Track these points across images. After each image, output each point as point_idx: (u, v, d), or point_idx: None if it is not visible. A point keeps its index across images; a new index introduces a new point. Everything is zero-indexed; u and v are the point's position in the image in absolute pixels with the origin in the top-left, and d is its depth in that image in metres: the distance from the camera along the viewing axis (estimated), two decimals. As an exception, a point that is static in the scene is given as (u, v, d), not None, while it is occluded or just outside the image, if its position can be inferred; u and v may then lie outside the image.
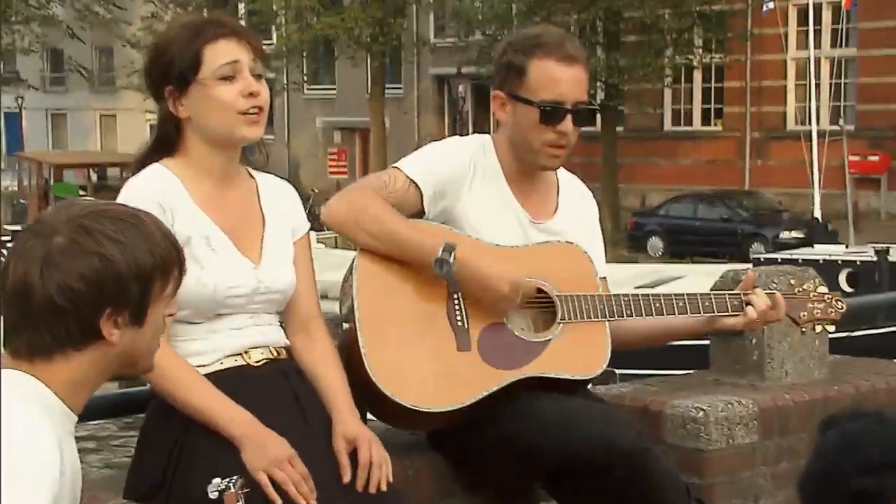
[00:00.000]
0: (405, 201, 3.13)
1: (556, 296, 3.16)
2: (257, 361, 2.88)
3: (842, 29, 29.69)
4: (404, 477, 3.15)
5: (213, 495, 2.49)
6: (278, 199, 3.01)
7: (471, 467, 3.25)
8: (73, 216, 2.16)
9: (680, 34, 29.19)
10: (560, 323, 3.14)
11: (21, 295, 2.12)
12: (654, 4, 27.74)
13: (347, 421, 2.87)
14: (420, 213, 3.17)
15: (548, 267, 3.17)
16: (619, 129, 31.09)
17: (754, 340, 4.03)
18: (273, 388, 2.86)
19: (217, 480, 2.51)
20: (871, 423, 2.44)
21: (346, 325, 3.11)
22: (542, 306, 3.18)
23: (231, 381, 2.80)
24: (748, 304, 3.27)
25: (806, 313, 3.37)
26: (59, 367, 2.14)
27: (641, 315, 3.20)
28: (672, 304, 3.22)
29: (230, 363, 2.86)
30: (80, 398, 2.19)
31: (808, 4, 27.18)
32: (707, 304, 3.25)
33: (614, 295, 3.20)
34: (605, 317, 3.17)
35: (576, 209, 3.36)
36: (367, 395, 3.03)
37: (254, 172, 3.03)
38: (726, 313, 3.27)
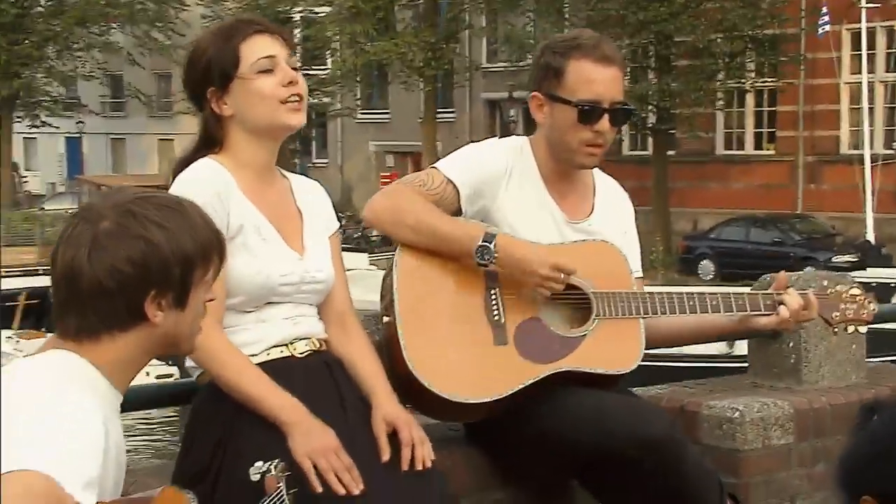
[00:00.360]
0: (443, 200, 3.22)
1: (592, 292, 3.23)
2: (302, 353, 2.97)
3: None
4: (441, 469, 3.23)
5: (254, 478, 2.57)
6: (311, 196, 3.11)
7: (507, 461, 3.33)
8: (120, 202, 2.26)
9: (732, 58, 29.15)
10: (595, 319, 3.22)
11: (70, 278, 2.22)
12: (706, 29, 27.73)
13: (386, 404, 2.96)
14: (457, 213, 3.25)
15: (583, 264, 3.24)
16: (671, 153, 31.05)
17: (791, 344, 4.08)
18: (317, 378, 2.95)
19: (259, 463, 2.58)
20: None
21: (385, 319, 3.20)
22: (578, 303, 3.25)
23: (278, 371, 2.89)
24: (781, 303, 3.33)
25: (838, 314, 3.42)
26: (105, 348, 2.24)
27: (675, 313, 3.27)
28: (706, 302, 3.28)
29: (276, 354, 2.94)
30: (125, 377, 2.29)
31: (861, 29, 27.08)
32: (741, 303, 3.31)
33: (649, 293, 3.27)
34: (640, 314, 3.24)
35: (612, 210, 3.44)
36: (407, 388, 3.11)
37: (284, 172, 3.12)
38: (760, 312, 3.33)
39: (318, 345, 3.01)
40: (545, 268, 3.14)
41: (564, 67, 3.24)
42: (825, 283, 3.54)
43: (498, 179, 3.27)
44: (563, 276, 3.16)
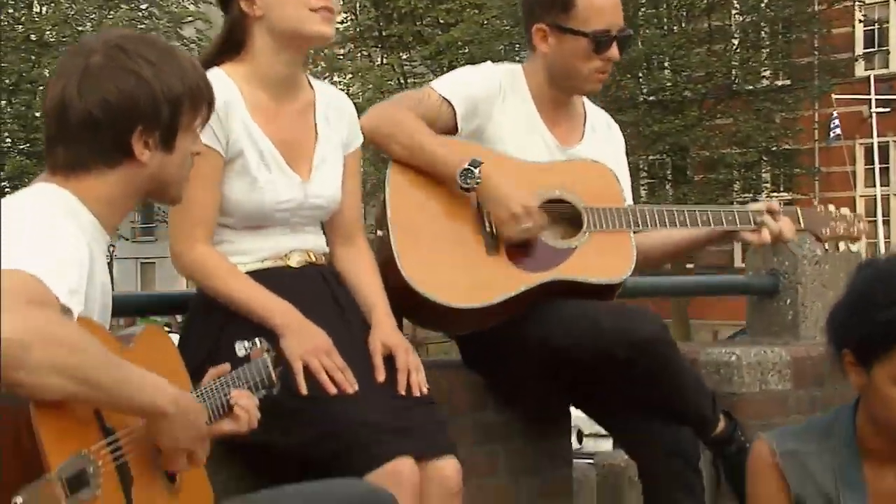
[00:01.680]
0: (438, 118, 3.30)
1: (583, 207, 3.29)
2: (297, 263, 2.98)
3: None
4: (438, 389, 3.24)
5: (240, 353, 2.54)
6: (334, 111, 3.10)
7: (502, 378, 3.35)
8: (111, 38, 2.34)
9: (748, 169, 29.40)
10: (587, 232, 3.27)
11: (60, 109, 2.29)
12: (720, 142, 28.05)
13: (385, 327, 2.97)
14: (453, 131, 3.33)
15: (575, 181, 3.31)
16: (690, 265, 31.12)
17: (788, 301, 4.12)
18: (312, 287, 2.96)
19: (240, 342, 2.55)
20: None
21: (379, 233, 3.25)
22: (570, 219, 3.31)
23: (271, 278, 2.91)
24: (763, 224, 3.37)
25: (828, 230, 3.48)
26: (92, 183, 2.30)
27: (666, 226, 3.32)
28: (696, 217, 3.34)
29: (270, 264, 2.95)
30: (112, 217, 2.34)
31: (873, 144, 27.40)
32: (730, 217, 3.37)
33: (638, 206, 3.33)
34: (630, 227, 3.30)
35: (603, 138, 3.52)
36: (401, 298, 3.14)
37: (314, 82, 3.12)
38: (749, 227, 3.38)
39: (314, 258, 3.01)
40: (518, 206, 3.18)
41: None
42: (817, 204, 3.60)
43: (492, 98, 3.35)
44: (529, 224, 3.19)
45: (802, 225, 3.47)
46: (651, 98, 27.45)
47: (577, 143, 3.46)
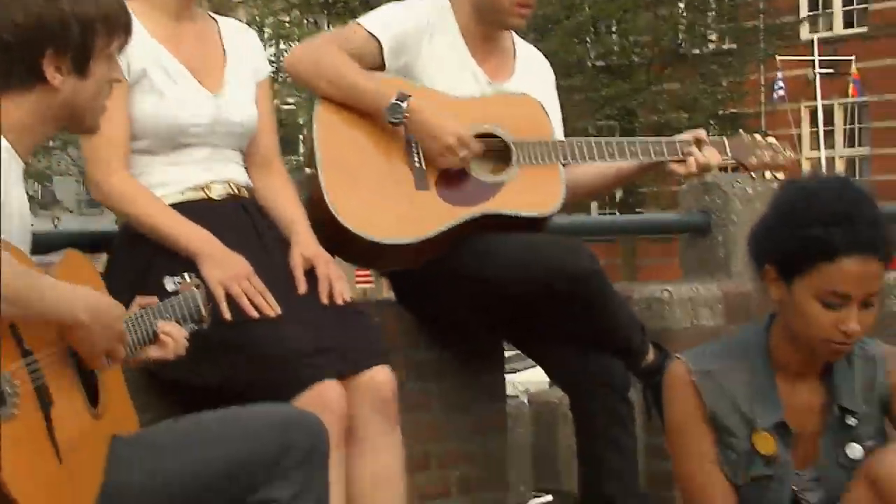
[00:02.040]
0: (365, 54, 3.29)
1: (512, 141, 3.30)
2: (219, 196, 2.98)
3: (856, 129, 30.05)
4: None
5: (170, 287, 2.54)
6: (241, 39, 3.12)
7: (435, 315, 3.37)
8: None
9: (694, 134, 29.51)
10: (515, 166, 3.28)
11: None
12: (667, 106, 28.15)
13: (305, 242, 2.99)
14: (380, 68, 3.31)
15: (504, 115, 3.32)
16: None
17: (721, 238, 4.16)
18: (234, 219, 2.97)
19: (169, 277, 2.56)
20: (833, 181, 2.56)
21: (308, 171, 3.25)
22: (499, 152, 3.32)
23: (192, 210, 2.91)
24: (689, 154, 3.40)
25: (755, 158, 3.51)
26: (5, 107, 2.28)
27: (594, 159, 3.34)
28: (625, 148, 3.37)
29: (191, 196, 2.95)
30: (25, 143, 2.33)
31: (817, 107, 27.59)
32: (658, 149, 3.40)
33: (567, 140, 3.35)
34: (560, 160, 3.31)
35: (533, 74, 3.52)
36: (331, 235, 3.14)
37: (215, 15, 3.14)
38: (677, 158, 3.40)
39: (236, 190, 3.01)
40: (452, 137, 3.19)
41: None
42: (744, 135, 3.62)
43: (420, 34, 3.33)
44: (465, 152, 3.20)
45: (729, 154, 3.49)
46: (599, 63, 27.49)
47: (508, 78, 3.46)
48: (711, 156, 3.41)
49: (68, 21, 2.29)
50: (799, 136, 30.43)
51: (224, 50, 3.07)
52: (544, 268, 3.11)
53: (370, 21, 3.33)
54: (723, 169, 3.78)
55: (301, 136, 20.06)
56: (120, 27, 2.39)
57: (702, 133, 3.47)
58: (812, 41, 29.08)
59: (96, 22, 2.33)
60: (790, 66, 28.35)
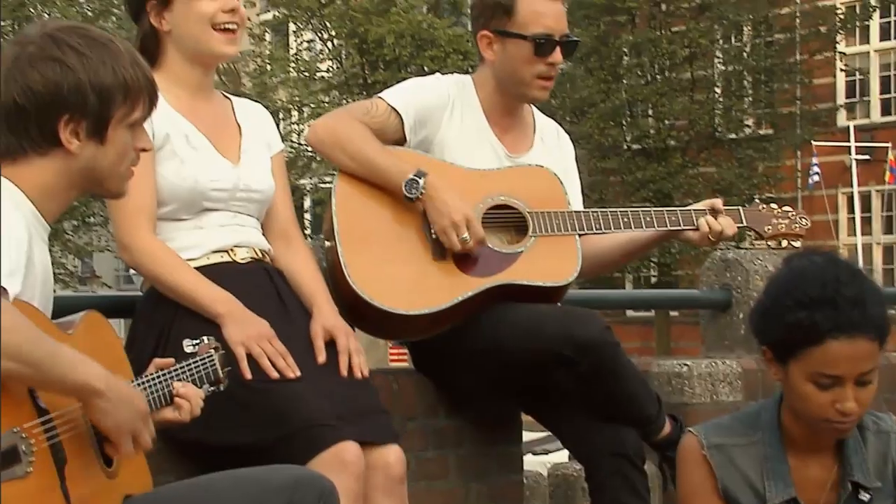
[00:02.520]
0: (386, 128, 3.36)
1: (528, 212, 3.35)
2: (242, 259, 3.05)
3: (893, 216, 29.96)
4: (389, 392, 3.31)
5: (188, 349, 2.58)
6: (253, 116, 3.22)
7: (452, 383, 3.40)
8: (48, 29, 2.40)
9: (731, 218, 29.45)
10: (532, 237, 3.33)
11: None
12: (703, 189, 28.14)
13: (326, 312, 3.04)
14: (401, 142, 3.38)
15: (519, 187, 3.38)
16: (674, 313, 31.18)
17: (741, 315, 4.17)
18: (257, 282, 3.04)
19: (188, 339, 2.60)
20: (819, 261, 2.57)
21: (327, 244, 3.31)
22: (516, 223, 3.37)
23: (218, 273, 2.98)
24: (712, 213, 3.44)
25: (770, 227, 3.54)
26: (26, 170, 2.35)
27: (610, 229, 3.38)
28: (640, 218, 3.41)
29: (217, 259, 3.03)
30: (50, 207, 2.39)
31: (854, 193, 27.56)
32: (673, 218, 3.43)
33: (583, 210, 3.40)
34: (575, 230, 3.36)
35: (552, 147, 3.58)
36: (351, 307, 3.20)
37: (228, 95, 3.25)
38: (692, 228, 3.43)
39: (259, 254, 3.09)
40: (458, 215, 3.24)
41: (514, 4, 3.38)
42: (759, 203, 3.66)
43: (441, 109, 3.41)
44: (467, 235, 3.23)
45: (745, 222, 3.52)
46: (634, 145, 27.60)
47: (527, 151, 3.52)
48: (727, 224, 3.44)
49: (85, 89, 2.34)
50: (836, 222, 30.38)
51: (239, 125, 3.16)
52: (553, 336, 3.15)
53: (392, 95, 3.40)
54: (740, 242, 3.82)
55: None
56: (143, 97, 2.44)
57: (717, 202, 3.52)
58: (848, 128, 29.13)
59: (114, 90, 2.38)
60: (826, 151, 28.39)
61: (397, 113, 3.37)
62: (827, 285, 2.50)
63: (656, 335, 29.63)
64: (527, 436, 6.78)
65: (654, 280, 28.81)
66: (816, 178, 27.35)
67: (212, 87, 3.18)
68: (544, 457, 11.01)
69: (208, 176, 3.02)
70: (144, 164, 2.87)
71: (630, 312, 32.46)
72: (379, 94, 3.45)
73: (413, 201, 3.27)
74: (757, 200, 3.70)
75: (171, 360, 2.52)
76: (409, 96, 3.40)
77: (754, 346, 4.12)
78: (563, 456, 10.80)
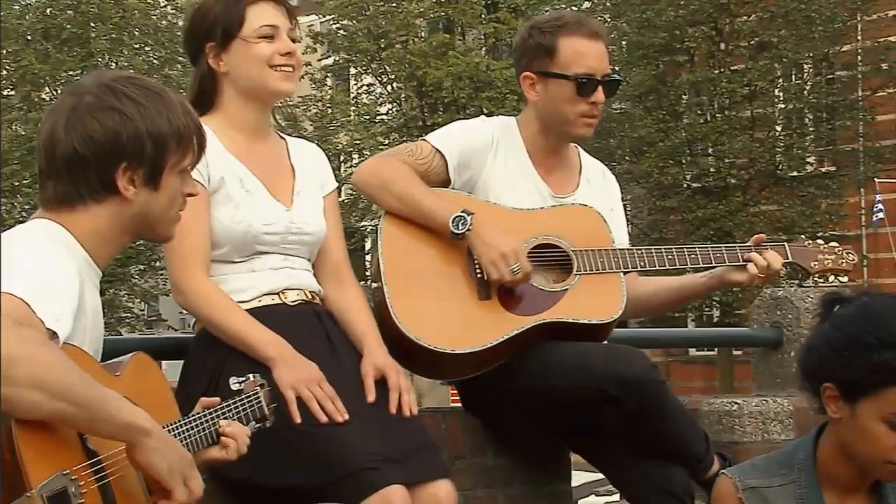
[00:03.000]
0: (431, 169, 3.40)
1: (572, 251, 3.37)
2: (293, 301, 3.10)
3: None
4: (437, 432, 3.34)
5: (234, 387, 2.62)
6: (308, 157, 3.26)
7: (499, 422, 3.42)
8: (104, 80, 2.47)
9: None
10: (576, 275, 3.35)
11: (49, 146, 2.42)
12: (765, 228, 27.97)
13: (376, 352, 3.08)
14: (445, 183, 3.42)
15: (563, 226, 3.40)
16: (738, 352, 30.92)
17: (792, 353, 4.15)
18: (307, 325, 3.08)
19: (235, 377, 2.64)
20: (893, 300, 2.57)
21: (374, 286, 3.35)
22: (560, 263, 3.39)
23: (268, 315, 3.03)
24: (749, 260, 3.43)
25: (817, 263, 3.53)
26: (81, 217, 2.41)
27: (654, 266, 3.39)
28: (684, 255, 3.42)
29: (268, 301, 3.07)
30: (103, 253, 2.45)
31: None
32: (718, 255, 3.44)
33: (627, 248, 3.41)
34: (620, 268, 3.37)
35: (597, 187, 3.60)
36: (398, 347, 3.22)
37: (283, 135, 3.30)
38: (737, 263, 3.43)
39: (309, 296, 3.13)
40: (507, 247, 3.26)
41: (556, 45, 3.42)
42: (805, 240, 3.65)
43: (485, 151, 3.44)
44: (517, 266, 3.25)
45: (791, 258, 3.52)
46: (694, 184, 27.50)
47: (572, 191, 3.54)
48: (773, 259, 3.44)
49: (142, 137, 2.40)
50: (902, 260, 29.99)
51: (293, 166, 3.21)
52: (599, 374, 3.16)
53: (436, 138, 3.45)
54: (792, 280, 3.81)
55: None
56: (192, 144, 2.50)
57: (761, 236, 3.53)
58: (912, 164, 28.83)
59: (169, 138, 2.44)
60: (890, 188, 28.09)
61: (441, 155, 3.41)
62: None
63: (719, 374, 29.38)
64: (590, 476, 6.72)
65: (716, 319, 28.59)
66: (881, 215, 27.05)
67: (268, 127, 3.24)
68: (608, 497, 10.94)
69: (261, 220, 3.07)
70: (199, 207, 2.94)
71: (693, 351, 32.25)
72: (423, 137, 3.50)
73: (460, 238, 3.30)
74: (803, 237, 3.69)
75: (217, 399, 2.56)
76: (453, 138, 3.44)
77: (806, 386, 4.14)
78: (623, 497, 10.75)
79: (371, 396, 2.97)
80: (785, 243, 3.54)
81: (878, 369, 2.48)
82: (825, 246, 3.58)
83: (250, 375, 2.65)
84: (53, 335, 2.22)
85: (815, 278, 3.59)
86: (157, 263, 41.45)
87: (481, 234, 3.28)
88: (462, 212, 3.30)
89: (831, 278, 3.57)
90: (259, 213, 3.08)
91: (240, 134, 3.15)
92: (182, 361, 3.15)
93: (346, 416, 2.87)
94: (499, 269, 3.26)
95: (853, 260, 3.58)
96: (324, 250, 3.22)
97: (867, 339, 2.51)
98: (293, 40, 3.18)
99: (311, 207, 3.19)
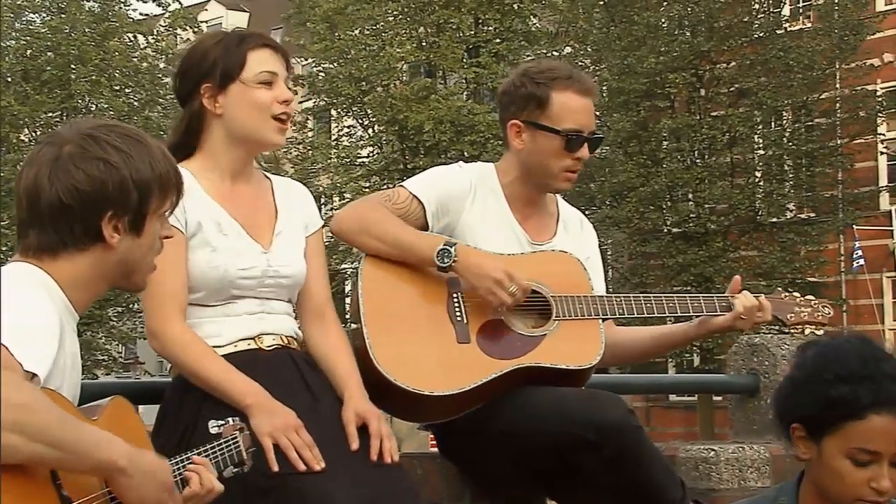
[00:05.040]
0: (408, 215, 3.41)
1: (552, 296, 3.38)
2: (269, 346, 3.08)
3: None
4: (414, 477, 3.32)
5: (213, 430, 2.61)
6: (292, 196, 3.26)
7: (477, 467, 3.41)
8: (84, 129, 2.48)
9: (773, 304, 29.26)
10: (556, 320, 3.35)
11: (32, 195, 2.42)
12: (744, 273, 28.04)
13: (357, 399, 3.07)
14: (423, 229, 3.43)
15: (543, 271, 3.41)
16: (718, 399, 30.91)
17: (769, 401, 4.15)
18: (283, 370, 3.07)
19: (213, 421, 2.63)
20: (854, 340, 2.60)
21: (353, 327, 3.35)
22: (539, 308, 3.40)
23: (243, 361, 3.02)
24: (734, 302, 3.46)
25: (793, 315, 3.55)
26: (63, 265, 2.42)
27: (633, 314, 3.40)
28: (662, 304, 3.43)
29: (243, 346, 3.07)
30: (82, 298, 2.46)
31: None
32: (696, 304, 3.46)
33: (606, 295, 3.42)
34: (598, 314, 3.38)
35: (574, 234, 3.62)
36: (376, 388, 3.21)
37: (269, 175, 3.30)
38: (715, 312, 3.45)
39: (286, 341, 3.12)
40: (499, 272, 3.28)
41: (548, 97, 3.44)
42: (781, 292, 3.67)
43: (462, 197, 3.46)
44: (514, 287, 3.28)
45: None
46: (675, 229, 27.59)
47: (550, 239, 3.56)
48: (763, 302, 3.47)
49: (128, 185, 2.42)
50: (881, 307, 30.14)
51: (276, 206, 3.20)
52: (577, 419, 3.16)
53: (414, 184, 3.46)
54: (771, 326, 3.83)
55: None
56: (172, 187, 2.52)
57: (738, 277, 3.56)
58: (891, 211, 29.01)
59: (152, 185, 2.46)
60: (869, 235, 28.27)
61: (419, 201, 3.42)
62: (867, 362, 2.52)
63: (700, 420, 29.36)
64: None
65: (696, 365, 28.60)
66: (861, 261, 27.18)
67: (251, 169, 3.21)
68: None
69: (237, 264, 3.06)
70: (176, 252, 2.94)
71: (673, 397, 32.25)
72: (401, 183, 3.51)
73: (446, 270, 3.30)
74: (779, 289, 3.71)
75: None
76: (431, 184, 3.46)
77: (780, 431, 4.15)
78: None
79: (354, 444, 2.96)
80: (762, 296, 3.56)
81: (834, 404, 2.50)
82: (801, 299, 3.61)
83: (230, 419, 2.64)
84: (32, 377, 2.21)
85: (791, 331, 3.60)
86: (135, 306, 41.27)
87: (468, 264, 3.30)
88: (445, 244, 3.31)
89: (807, 331, 3.59)
90: (235, 257, 3.06)
91: (221, 176, 3.15)
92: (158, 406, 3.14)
93: (323, 465, 2.86)
94: (498, 296, 3.28)
95: (829, 313, 3.61)
96: (306, 290, 3.21)
97: (824, 376, 2.54)
98: (290, 89, 3.18)
99: (291, 249, 3.17)
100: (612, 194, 27.11)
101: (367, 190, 26.60)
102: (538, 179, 3.49)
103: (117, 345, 42.30)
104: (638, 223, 26.44)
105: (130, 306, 41.07)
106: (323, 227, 3.31)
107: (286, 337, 3.13)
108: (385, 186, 27.83)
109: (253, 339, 3.08)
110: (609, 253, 29.33)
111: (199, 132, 3.16)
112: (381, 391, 3.23)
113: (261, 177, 3.26)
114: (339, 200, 27.56)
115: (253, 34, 3.21)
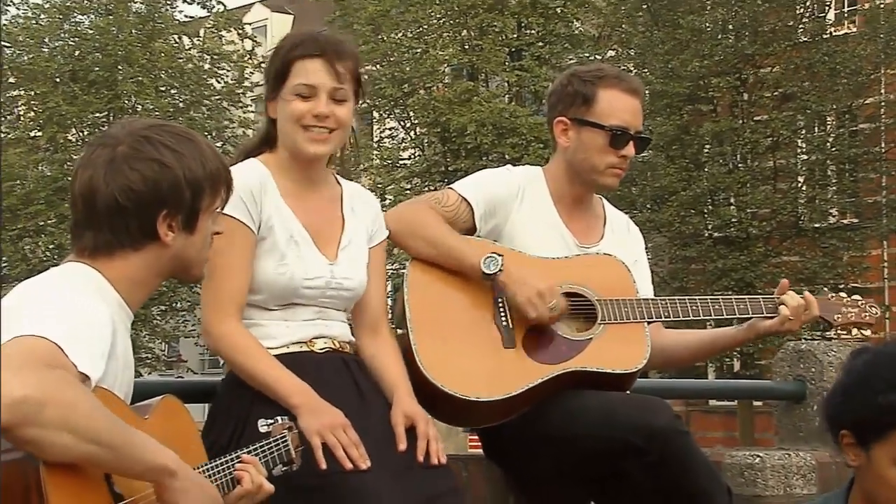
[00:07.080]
0: (457, 217, 3.43)
1: (597, 300, 3.39)
2: (320, 349, 3.11)
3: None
4: (459, 480, 3.33)
5: (262, 429, 2.65)
6: (361, 206, 3.26)
7: (523, 472, 3.41)
8: (136, 129, 2.51)
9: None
10: (601, 324, 3.36)
11: (87, 197, 2.46)
12: (786, 279, 27.82)
13: (406, 400, 3.09)
14: (471, 231, 3.45)
15: (588, 275, 3.42)
16: (758, 403, 30.72)
17: (815, 407, 4.14)
18: (333, 372, 3.10)
19: (263, 420, 2.66)
20: None
21: (399, 332, 3.36)
22: (584, 312, 3.40)
23: (295, 362, 3.04)
24: (781, 304, 3.45)
25: (840, 316, 3.55)
26: (118, 264, 2.46)
27: (679, 316, 3.40)
28: (708, 306, 3.43)
29: (295, 349, 3.09)
30: (136, 296, 2.50)
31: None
32: (742, 306, 3.46)
33: (652, 298, 3.42)
34: (644, 318, 3.39)
35: (622, 238, 3.62)
36: (422, 393, 3.22)
37: (341, 180, 3.29)
38: (762, 315, 3.45)
39: (338, 345, 3.14)
40: (542, 285, 3.30)
41: (595, 94, 3.47)
42: (828, 292, 3.66)
43: (510, 200, 3.48)
44: (554, 302, 3.29)
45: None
46: (716, 234, 27.44)
47: (597, 241, 3.56)
48: (809, 299, 3.46)
49: (181, 184, 2.45)
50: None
51: (343, 216, 3.20)
52: (623, 424, 3.17)
53: (463, 186, 3.48)
54: (815, 332, 3.82)
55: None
56: (223, 185, 2.56)
57: (786, 281, 3.54)
58: (936, 217, 28.72)
59: (204, 183, 2.50)
60: (912, 241, 28.00)
61: (468, 203, 3.44)
62: None
63: (739, 425, 29.20)
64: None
65: (736, 370, 28.45)
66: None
67: (320, 173, 3.19)
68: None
69: (304, 273, 3.07)
70: (244, 250, 2.98)
71: (713, 402, 32.07)
72: (450, 185, 3.53)
73: (491, 279, 3.31)
74: (825, 289, 3.70)
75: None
76: (480, 187, 3.47)
77: (829, 438, 4.13)
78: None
79: (402, 445, 2.98)
80: (806, 292, 3.55)
81: (884, 411, 2.49)
82: (848, 299, 3.60)
83: (278, 418, 2.68)
84: (85, 378, 2.24)
85: (838, 331, 3.59)
86: (178, 305, 41.62)
87: (514, 273, 3.31)
88: (492, 253, 3.32)
89: (854, 331, 3.58)
90: (303, 267, 3.08)
91: (295, 180, 3.15)
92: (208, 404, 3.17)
93: (369, 463, 2.88)
94: (537, 308, 3.29)
95: (876, 313, 3.60)
96: (363, 302, 3.21)
97: (874, 382, 2.53)
98: (340, 100, 3.13)
99: (355, 262, 3.18)
100: (653, 198, 27.01)
101: (408, 191, 26.71)
102: (585, 176, 3.50)
103: (160, 343, 42.63)
104: (679, 227, 26.32)
105: (174, 305, 41.32)
106: (387, 238, 3.30)
107: (339, 341, 3.15)
108: (426, 188, 27.90)
109: (306, 342, 3.10)
110: (649, 256, 29.07)
111: (275, 133, 3.18)
112: (427, 396, 3.24)
113: (333, 182, 3.25)
114: (381, 202, 27.59)
115: (309, 39, 3.16)
